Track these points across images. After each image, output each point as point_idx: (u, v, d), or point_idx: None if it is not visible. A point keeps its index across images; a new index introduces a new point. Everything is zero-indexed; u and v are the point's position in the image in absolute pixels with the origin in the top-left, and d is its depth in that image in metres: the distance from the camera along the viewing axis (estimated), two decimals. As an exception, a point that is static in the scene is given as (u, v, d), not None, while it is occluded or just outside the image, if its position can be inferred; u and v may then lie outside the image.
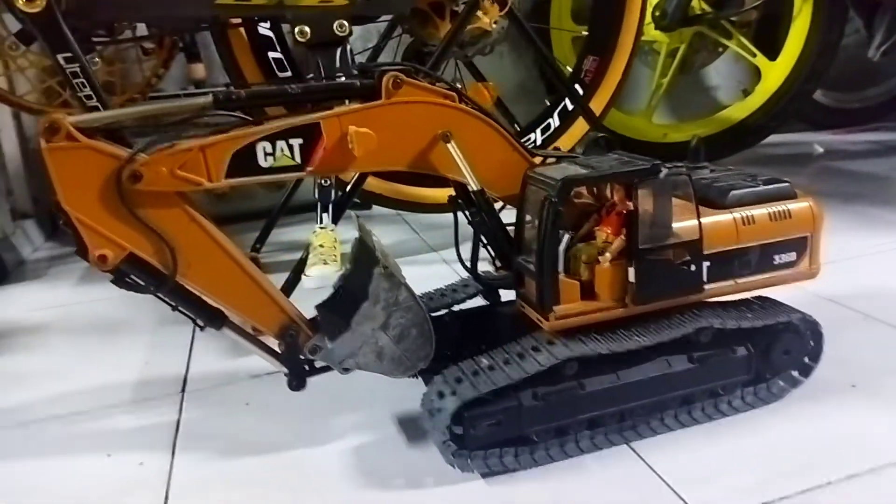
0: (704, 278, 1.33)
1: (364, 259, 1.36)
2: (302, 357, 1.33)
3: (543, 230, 1.24)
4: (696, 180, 1.44)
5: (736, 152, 3.43)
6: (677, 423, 1.38)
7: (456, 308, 1.51)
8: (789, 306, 1.44)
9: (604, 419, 1.29)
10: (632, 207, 1.26)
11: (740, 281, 1.37)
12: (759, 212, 1.36)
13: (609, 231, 1.31)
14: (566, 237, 1.29)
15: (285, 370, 1.34)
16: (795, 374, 1.46)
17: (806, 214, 1.39)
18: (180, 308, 1.28)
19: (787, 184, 1.41)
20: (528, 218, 1.32)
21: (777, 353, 1.42)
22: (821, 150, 3.74)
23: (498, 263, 1.47)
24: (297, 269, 2.06)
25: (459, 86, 2.60)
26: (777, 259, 1.39)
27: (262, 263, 2.48)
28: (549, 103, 2.90)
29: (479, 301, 1.58)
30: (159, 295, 1.25)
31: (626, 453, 1.34)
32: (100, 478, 1.33)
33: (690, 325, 1.33)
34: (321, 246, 1.92)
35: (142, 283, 1.23)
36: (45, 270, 2.72)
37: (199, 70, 3.26)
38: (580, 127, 2.87)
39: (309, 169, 1.25)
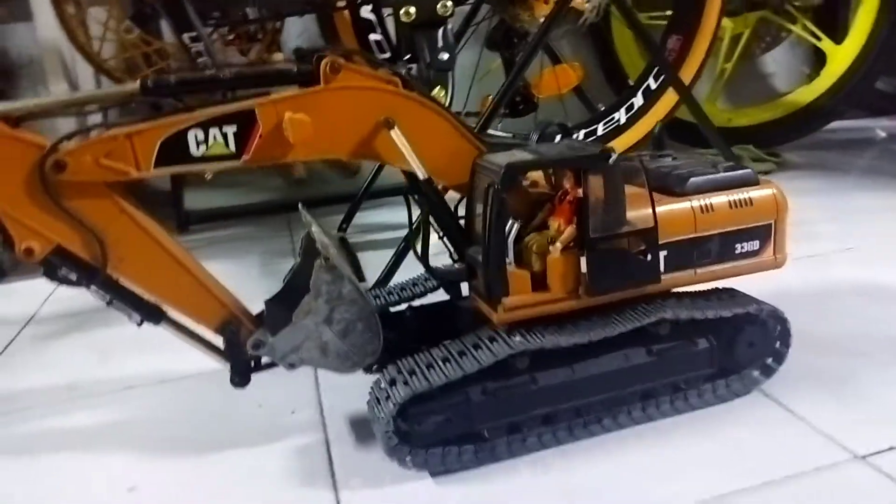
0: (661, 268, 1.28)
1: (313, 252, 1.32)
2: (245, 353, 1.28)
3: (488, 218, 1.19)
4: (654, 168, 1.39)
5: (802, 136, 3.41)
6: (638, 419, 1.33)
7: (416, 303, 1.45)
8: (752, 297, 1.38)
9: (560, 415, 1.24)
10: (582, 195, 1.21)
11: (700, 271, 1.32)
12: (719, 199, 1.31)
13: (561, 220, 1.26)
14: (515, 226, 1.24)
15: (228, 366, 1.30)
16: (769, 362, 1.41)
17: (769, 202, 1.34)
18: (115, 303, 1.24)
19: (748, 171, 1.36)
20: (476, 208, 1.27)
21: (741, 346, 1.36)
22: (883, 134, 3.69)
23: (455, 256, 1.42)
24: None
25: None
26: (739, 248, 1.33)
27: (351, 243, 2.50)
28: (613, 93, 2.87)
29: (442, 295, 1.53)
30: (92, 289, 1.21)
31: (585, 450, 1.28)
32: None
33: (647, 316, 1.27)
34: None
35: (72, 276, 1.18)
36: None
37: (278, 59, 3.24)
38: (664, 105, 2.85)
39: (245, 158, 1.20)
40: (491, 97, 2.35)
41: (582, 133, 2.89)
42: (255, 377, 1.31)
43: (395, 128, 1.23)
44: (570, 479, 1.20)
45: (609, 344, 1.27)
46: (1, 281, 2.47)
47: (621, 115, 2.91)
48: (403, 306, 1.44)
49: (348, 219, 2.59)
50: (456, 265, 1.41)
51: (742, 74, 3.94)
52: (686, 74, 2.83)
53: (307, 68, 1.22)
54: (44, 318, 2.02)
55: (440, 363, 1.21)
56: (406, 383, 1.19)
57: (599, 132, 2.91)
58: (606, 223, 1.22)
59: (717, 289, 1.40)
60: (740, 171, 1.35)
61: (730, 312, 1.32)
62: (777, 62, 4.12)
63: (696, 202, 1.30)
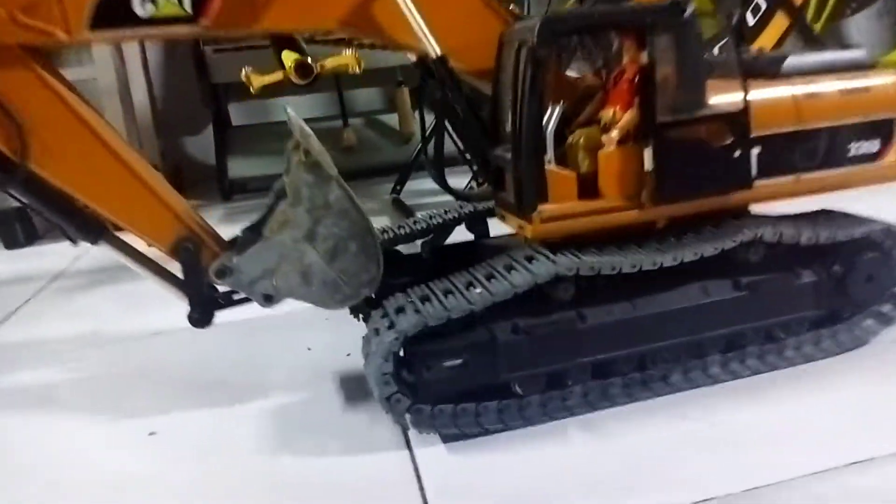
0: (753, 169, 0.96)
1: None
2: (205, 281, 0.99)
3: (521, 92, 0.89)
4: (738, 54, 1.07)
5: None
6: (718, 376, 1.00)
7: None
8: (871, 218, 1.05)
9: (614, 366, 0.93)
10: (646, 62, 0.90)
11: (804, 177, 0.99)
12: (827, 85, 0.99)
13: (617, 107, 0.95)
14: (556, 112, 0.94)
15: (185, 299, 1.01)
16: (886, 308, 1.07)
17: (891, 91, 1.01)
18: (41, 212, 0.96)
19: (861, 52, 1.04)
20: (505, 92, 0.97)
21: (856, 281, 1.03)
22: None
23: (478, 175, 1.12)
24: None
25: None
26: (854, 149, 1.01)
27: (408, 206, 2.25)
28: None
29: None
30: (12, 193, 0.94)
31: (646, 413, 0.96)
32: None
33: (735, 235, 0.96)
34: None
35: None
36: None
37: None
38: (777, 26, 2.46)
39: (203, 22, 0.93)
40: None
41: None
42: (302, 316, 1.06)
43: (402, -11, 0.94)
44: (628, 450, 0.89)
45: (683, 272, 0.95)
46: (34, 243, 2.31)
47: None
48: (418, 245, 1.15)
49: (402, 182, 2.39)
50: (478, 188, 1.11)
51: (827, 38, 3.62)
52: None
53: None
54: (74, 273, 1.92)
55: (461, 289, 0.91)
56: (417, 311, 0.88)
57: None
58: (680, 104, 0.92)
59: (823, 210, 1.07)
60: (851, 52, 1.03)
61: (846, 234, 0.99)
62: (861, 31, 3.80)
63: (798, 87, 0.98)
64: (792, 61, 1.00)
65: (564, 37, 0.93)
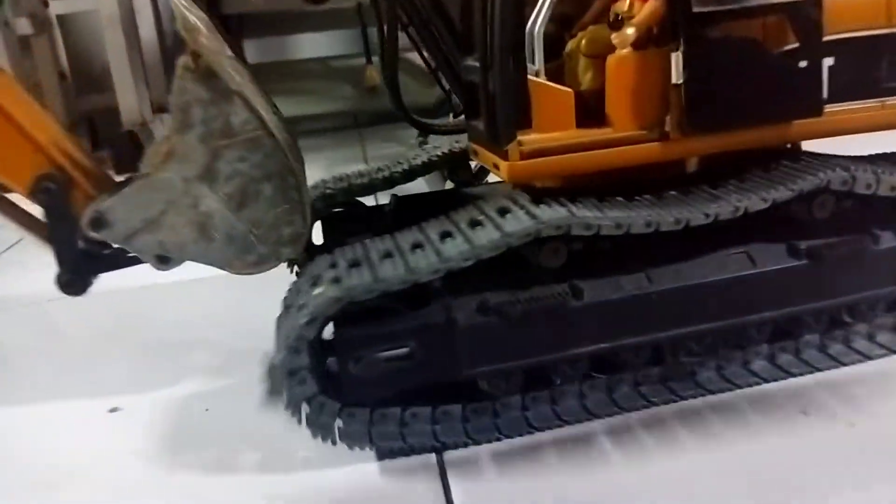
0: (824, 90, 0.68)
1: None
2: (75, 232, 0.74)
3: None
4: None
5: None
6: (766, 372, 0.74)
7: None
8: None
9: (621, 360, 0.66)
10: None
11: (891, 102, 0.71)
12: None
13: (635, -3, 0.67)
14: (546, 6, 0.67)
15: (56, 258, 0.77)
16: None
17: None
18: None
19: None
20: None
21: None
22: None
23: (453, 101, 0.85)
24: None
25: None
26: (963, 64, 0.72)
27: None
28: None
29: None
30: None
31: (664, 429, 0.71)
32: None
33: (791, 182, 0.68)
34: None
35: None
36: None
37: None
38: None
39: None
40: None
41: None
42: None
43: None
44: (632, 481, 0.63)
45: (720, 234, 0.68)
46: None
47: None
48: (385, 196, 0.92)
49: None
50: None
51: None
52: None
53: None
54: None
55: (404, 251, 0.64)
56: (337, 280, 0.62)
57: None
58: (725, -11, 0.63)
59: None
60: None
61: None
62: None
63: (893, -28, 0.69)
64: (883, -62, 0.71)
65: None
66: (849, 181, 0.70)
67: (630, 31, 0.65)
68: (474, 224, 0.65)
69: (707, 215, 0.67)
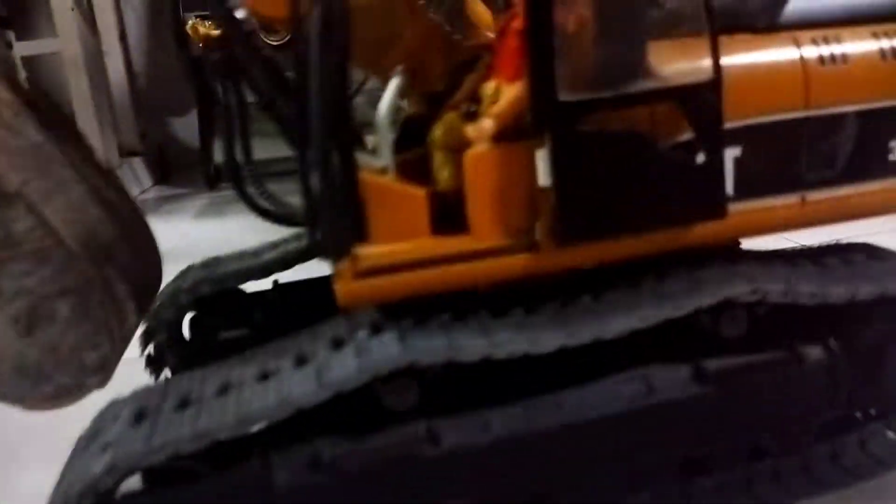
0: (729, 185, 0.57)
1: None
2: None
3: (312, 55, 0.49)
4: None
5: None
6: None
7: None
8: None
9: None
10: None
11: (813, 197, 0.60)
12: (857, 41, 0.59)
13: (502, 78, 0.56)
14: (395, 83, 0.55)
15: None
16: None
17: (963, 54, 0.61)
18: None
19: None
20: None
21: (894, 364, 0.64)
22: None
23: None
24: None
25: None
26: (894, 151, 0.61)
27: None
28: None
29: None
30: None
31: None
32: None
33: (697, 295, 0.56)
34: None
35: None
36: (159, 207, 2.23)
37: None
38: None
39: None
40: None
41: None
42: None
43: None
44: None
45: (612, 356, 0.56)
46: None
47: None
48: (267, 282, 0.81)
49: None
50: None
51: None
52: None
53: None
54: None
55: (207, 398, 0.52)
56: (105, 447, 0.50)
57: None
58: (599, 71, 0.52)
59: (844, 245, 0.67)
60: (899, -9, 0.63)
61: (878, 289, 0.60)
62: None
63: (807, 46, 0.58)
64: (801, 3, 0.60)
65: None
66: (763, 292, 0.58)
67: (488, 123, 0.53)
68: (300, 361, 0.53)
69: (589, 336, 0.55)
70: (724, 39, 0.58)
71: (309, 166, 0.52)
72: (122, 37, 2.59)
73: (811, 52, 0.58)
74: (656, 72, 0.53)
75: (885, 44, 0.60)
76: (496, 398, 0.57)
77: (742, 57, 0.57)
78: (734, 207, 0.58)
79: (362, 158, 0.56)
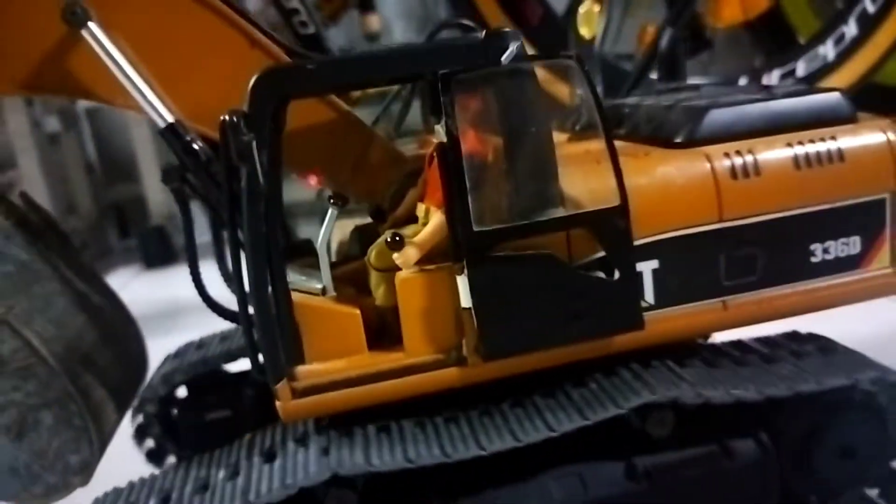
0: (649, 296, 0.60)
1: None
2: None
3: (238, 187, 0.55)
4: (646, 104, 0.72)
5: None
6: None
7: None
8: (856, 354, 0.68)
9: None
10: (442, 136, 0.55)
11: (735, 301, 0.63)
12: (771, 151, 0.63)
13: (432, 202, 0.60)
14: (331, 213, 0.60)
15: None
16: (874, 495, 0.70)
17: (880, 153, 0.64)
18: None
19: (835, 94, 0.67)
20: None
21: (829, 455, 0.66)
22: None
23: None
24: None
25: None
26: (819, 254, 0.64)
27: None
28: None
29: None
30: None
31: None
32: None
33: (626, 398, 0.60)
34: None
35: None
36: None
37: (373, 22, 2.78)
38: (887, 36, 1.85)
39: None
40: (651, 28, 1.64)
41: (775, 75, 1.98)
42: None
43: (89, 23, 0.61)
44: None
45: (550, 450, 0.60)
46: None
47: (828, 50, 1.88)
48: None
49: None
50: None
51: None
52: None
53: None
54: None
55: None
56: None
57: (800, 72, 2.01)
58: (511, 201, 0.56)
59: (788, 334, 0.70)
60: (817, 95, 0.66)
61: (810, 385, 0.62)
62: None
63: (720, 158, 0.62)
64: (716, 115, 0.64)
65: (299, 96, 0.58)
66: (688, 396, 0.61)
67: (412, 251, 0.58)
68: (233, 475, 0.58)
69: (515, 440, 0.58)
70: (640, 156, 0.63)
71: (245, 296, 0.57)
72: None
73: (723, 166, 0.61)
74: (566, 198, 0.57)
75: (800, 151, 0.63)
76: (440, 496, 0.61)
77: (655, 174, 0.61)
78: (656, 315, 0.61)
79: (302, 281, 0.62)
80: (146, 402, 0.84)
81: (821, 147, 0.63)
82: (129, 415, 0.82)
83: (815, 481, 0.66)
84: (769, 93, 0.67)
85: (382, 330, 0.62)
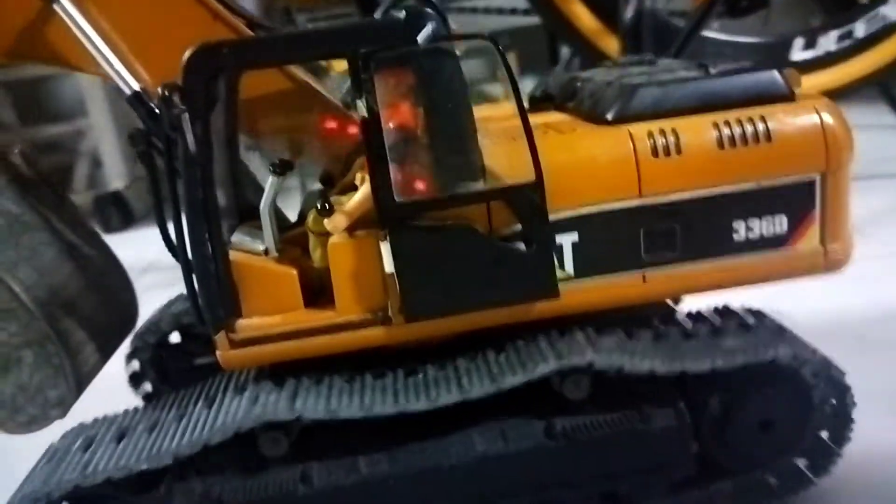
0: (568, 266, 0.63)
1: None
2: None
3: (171, 152, 0.60)
4: (589, 79, 0.74)
5: None
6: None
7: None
8: (776, 323, 0.70)
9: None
10: (364, 112, 0.59)
11: (654, 274, 0.66)
12: (695, 131, 0.64)
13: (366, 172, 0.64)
14: (271, 182, 0.65)
15: None
16: (802, 465, 0.72)
17: (810, 136, 0.65)
18: None
19: (770, 74, 0.67)
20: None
21: (745, 426, 0.68)
22: None
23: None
24: None
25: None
26: (743, 231, 0.66)
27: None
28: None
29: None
30: None
31: None
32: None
33: (534, 364, 0.64)
34: None
35: None
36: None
37: None
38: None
39: None
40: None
41: (833, 35, 1.85)
42: None
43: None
44: None
45: (479, 408, 0.64)
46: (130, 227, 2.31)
47: (891, 10, 1.79)
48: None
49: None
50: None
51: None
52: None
53: None
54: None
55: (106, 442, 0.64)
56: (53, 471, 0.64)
57: (859, 33, 1.84)
58: (431, 173, 0.60)
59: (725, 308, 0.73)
60: (752, 74, 0.67)
61: (724, 360, 0.65)
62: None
63: (643, 137, 0.63)
64: (645, 94, 0.65)
65: (229, 72, 0.62)
66: (600, 363, 0.64)
67: (340, 218, 0.62)
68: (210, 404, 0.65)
69: (429, 402, 0.63)
70: (568, 132, 0.65)
71: (186, 255, 0.63)
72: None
73: (645, 144, 0.63)
74: (488, 172, 0.61)
75: (725, 132, 0.64)
76: (368, 447, 0.67)
77: (579, 151, 0.63)
78: (574, 285, 0.64)
79: (247, 242, 0.67)
80: (139, 349, 0.91)
81: (748, 127, 0.64)
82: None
83: (732, 454, 0.69)
84: (705, 71, 0.68)
85: (321, 290, 0.67)
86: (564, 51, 2.87)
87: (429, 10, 0.58)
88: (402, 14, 0.57)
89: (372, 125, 0.58)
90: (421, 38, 0.56)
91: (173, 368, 0.95)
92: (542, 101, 0.78)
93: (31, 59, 0.73)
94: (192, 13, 0.70)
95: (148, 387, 0.96)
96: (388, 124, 0.58)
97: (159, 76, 0.70)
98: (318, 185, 0.81)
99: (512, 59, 2.47)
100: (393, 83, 0.58)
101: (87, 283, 0.80)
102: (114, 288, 0.87)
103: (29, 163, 0.84)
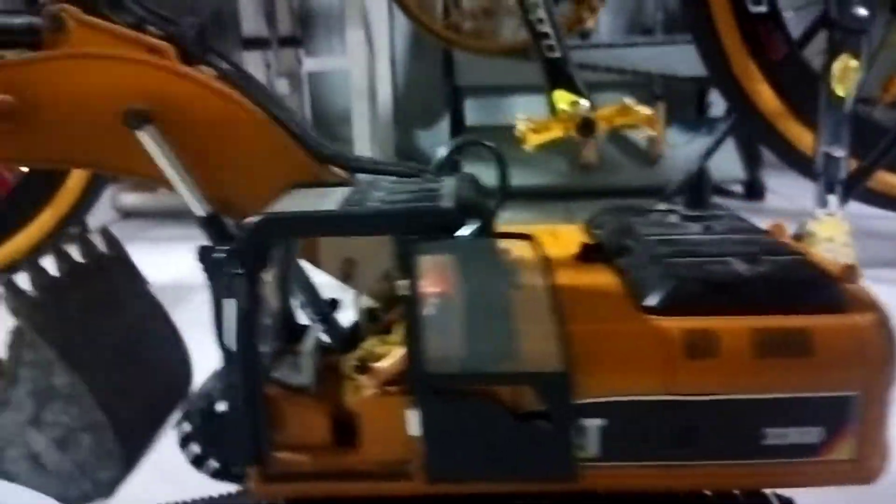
0: (595, 450, 0.65)
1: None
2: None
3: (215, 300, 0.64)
4: (630, 228, 0.75)
5: None
6: None
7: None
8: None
9: None
10: (405, 292, 0.62)
11: (678, 467, 0.66)
12: (734, 335, 0.64)
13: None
14: (313, 336, 0.69)
15: None
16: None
17: (856, 352, 0.64)
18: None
19: (824, 278, 0.66)
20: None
21: None
22: None
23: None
24: None
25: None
26: (774, 437, 0.65)
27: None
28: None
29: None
30: None
31: None
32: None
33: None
34: (829, 240, 1.51)
35: None
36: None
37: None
38: None
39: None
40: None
41: None
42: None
43: (149, 125, 0.72)
44: None
45: None
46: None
47: None
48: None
49: None
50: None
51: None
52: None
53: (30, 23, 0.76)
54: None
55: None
56: None
57: None
58: (465, 351, 0.62)
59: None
60: (802, 272, 0.66)
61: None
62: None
63: (681, 336, 0.64)
64: (695, 289, 0.65)
65: (283, 240, 0.66)
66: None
67: (373, 378, 0.65)
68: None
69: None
70: (602, 311, 0.66)
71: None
72: (392, 61, 3.06)
73: (681, 344, 0.63)
74: (515, 353, 0.62)
75: (767, 340, 0.63)
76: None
77: (614, 341, 0.64)
78: (597, 468, 0.65)
79: (286, 374, 0.71)
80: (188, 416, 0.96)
81: (791, 339, 0.63)
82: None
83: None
84: (755, 260, 0.67)
85: (354, 426, 0.70)
86: (715, 100, 2.94)
87: (480, 201, 0.60)
88: (452, 205, 0.59)
89: (412, 301, 0.61)
90: (466, 231, 0.59)
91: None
92: (593, 253, 0.78)
93: (102, 171, 0.80)
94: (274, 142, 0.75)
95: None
96: (427, 301, 0.61)
97: (222, 201, 0.75)
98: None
99: (660, 109, 2.49)
100: (433, 267, 0.60)
101: (147, 368, 0.87)
102: (172, 363, 0.94)
103: (85, 244, 0.90)
